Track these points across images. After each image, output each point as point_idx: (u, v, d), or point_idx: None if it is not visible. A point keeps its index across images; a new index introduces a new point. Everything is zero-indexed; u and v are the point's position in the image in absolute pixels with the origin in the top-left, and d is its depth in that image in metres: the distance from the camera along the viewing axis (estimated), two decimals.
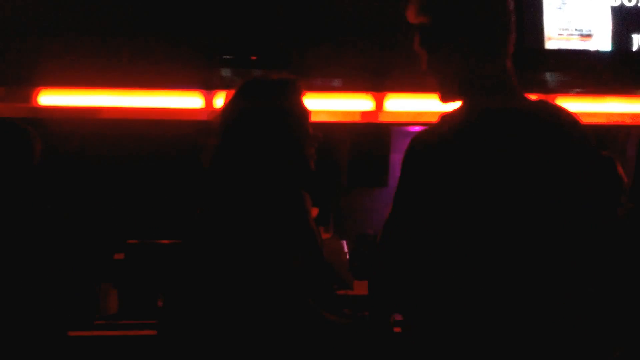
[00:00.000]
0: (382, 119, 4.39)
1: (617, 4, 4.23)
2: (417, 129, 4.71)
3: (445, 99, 1.93)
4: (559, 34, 4.21)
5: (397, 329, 1.88)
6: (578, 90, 4.35)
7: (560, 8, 4.22)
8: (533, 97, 1.89)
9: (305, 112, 2.24)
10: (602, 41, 4.23)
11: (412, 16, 1.89)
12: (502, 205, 1.71)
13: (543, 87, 4.27)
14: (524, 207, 1.71)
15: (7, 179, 2.60)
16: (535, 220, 1.71)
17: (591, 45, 4.23)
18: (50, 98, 4.06)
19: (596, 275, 1.76)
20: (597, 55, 4.21)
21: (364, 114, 4.31)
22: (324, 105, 4.04)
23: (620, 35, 4.22)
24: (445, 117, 1.86)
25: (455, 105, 1.90)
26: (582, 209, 1.75)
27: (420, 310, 1.74)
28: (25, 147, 2.67)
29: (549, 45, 4.19)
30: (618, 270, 2.64)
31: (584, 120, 1.88)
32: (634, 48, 4.21)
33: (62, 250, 2.71)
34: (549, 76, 4.30)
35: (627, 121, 4.54)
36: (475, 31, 1.82)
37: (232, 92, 2.27)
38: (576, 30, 4.23)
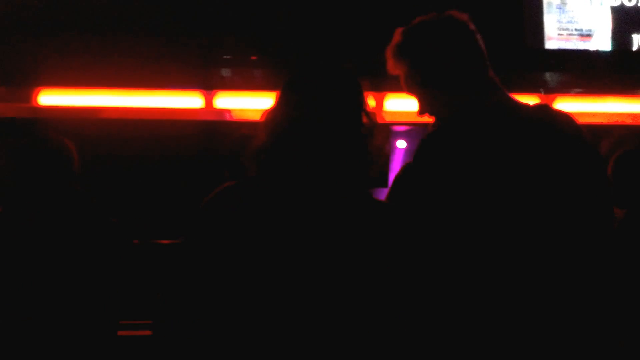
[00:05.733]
0: (382, 119, 4.38)
1: (617, 4, 4.24)
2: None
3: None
4: (559, 34, 4.22)
5: None
6: (578, 90, 4.35)
7: (560, 8, 4.22)
8: (530, 101, 1.91)
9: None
10: (602, 41, 4.23)
11: (391, 69, 2.01)
12: (520, 207, 1.72)
13: (543, 87, 4.27)
14: (540, 208, 1.72)
15: (56, 187, 2.71)
16: (551, 222, 1.72)
17: (591, 45, 4.23)
18: (50, 98, 4.06)
19: (602, 274, 1.77)
20: (597, 55, 4.21)
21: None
22: None
23: (620, 35, 4.22)
24: (441, 124, 1.88)
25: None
26: (590, 206, 1.77)
27: (429, 310, 1.74)
28: (68, 158, 2.79)
29: (549, 45, 4.19)
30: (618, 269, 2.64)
31: (585, 120, 1.89)
32: (634, 48, 4.21)
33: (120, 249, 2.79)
34: (549, 76, 4.30)
35: (627, 121, 4.54)
36: (452, 68, 1.89)
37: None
38: (576, 30, 4.23)
